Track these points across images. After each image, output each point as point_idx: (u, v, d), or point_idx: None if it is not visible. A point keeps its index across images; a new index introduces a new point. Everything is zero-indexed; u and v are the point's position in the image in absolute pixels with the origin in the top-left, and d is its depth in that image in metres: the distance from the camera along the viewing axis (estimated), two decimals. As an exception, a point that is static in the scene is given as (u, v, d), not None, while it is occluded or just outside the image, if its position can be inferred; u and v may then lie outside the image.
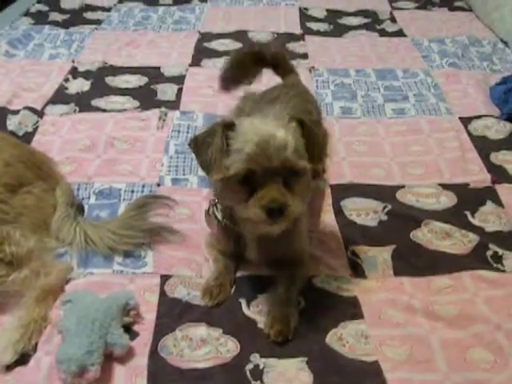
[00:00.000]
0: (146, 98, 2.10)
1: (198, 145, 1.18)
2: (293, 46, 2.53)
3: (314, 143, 1.18)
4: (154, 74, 2.27)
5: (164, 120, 1.95)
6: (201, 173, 1.69)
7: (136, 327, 1.22)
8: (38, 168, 1.50)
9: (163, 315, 1.25)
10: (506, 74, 2.22)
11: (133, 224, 1.43)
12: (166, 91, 2.15)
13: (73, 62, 2.37)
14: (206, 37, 2.63)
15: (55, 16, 2.86)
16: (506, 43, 2.54)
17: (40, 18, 2.82)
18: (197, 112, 1.99)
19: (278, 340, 1.18)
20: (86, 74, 2.26)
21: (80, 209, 1.53)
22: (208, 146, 1.14)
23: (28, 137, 1.85)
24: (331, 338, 1.20)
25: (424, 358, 1.16)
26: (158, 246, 1.43)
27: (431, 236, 1.48)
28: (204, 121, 1.93)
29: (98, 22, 2.80)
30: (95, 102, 2.07)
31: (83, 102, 2.07)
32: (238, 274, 1.36)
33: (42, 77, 2.24)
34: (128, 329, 1.20)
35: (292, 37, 2.63)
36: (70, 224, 1.43)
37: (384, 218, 1.54)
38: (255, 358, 1.16)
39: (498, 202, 1.60)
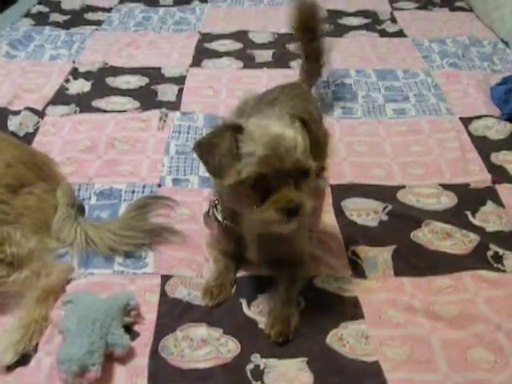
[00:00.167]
0: (146, 99, 2.10)
1: (204, 149, 1.15)
2: (293, 47, 2.53)
3: (316, 142, 1.19)
4: (155, 75, 2.27)
5: (164, 121, 1.95)
6: (201, 173, 1.69)
7: (137, 327, 1.22)
8: (38, 169, 1.50)
9: (164, 315, 1.25)
10: (507, 74, 2.21)
11: (133, 224, 1.43)
12: (166, 92, 2.15)
13: (73, 62, 2.37)
14: (206, 37, 2.63)
15: (56, 17, 2.86)
16: (506, 43, 2.53)
17: (41, 19, 2.82)
18: (197, 113, 1.99)
19: (278, 340, 1.18)
20: (87, 75, 2.27)
21: (81, 209, 1.53)
22: (215, 149, 1.12)
23: (29, 137, 1.85)
24: (331, 338, 1.20)
25: (424, 358, 1.16)
26: (158, 247, 1.43)
27: (432, 236, 1.47)
28: (204, 121, 1.93)
29: (98, 22, 2.80)
30: (96, 103, 2.07)
31: (84, 103, 2.07)
32: (239, 274, 1.36)
33: (43, 78, 2.24)
34: (129, 329, 1.20)
35: (292, 37, 2.61)
36: (70, 224, 1.43)
37: (384, 218, 1.54)
38: (256, 359, 1.16)
39: (498, 202, 1.60)
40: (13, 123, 1.90)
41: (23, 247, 1.31)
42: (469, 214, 1.56)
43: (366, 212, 1.56)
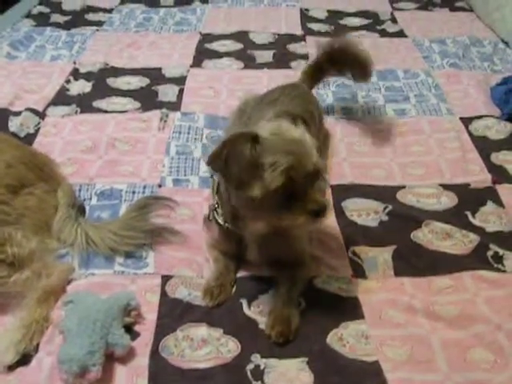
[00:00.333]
0: (147, 99, 2.10)
1: (223, 162, 1.13)
2: (294, 47, 2.53)
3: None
4: (155, 75, 2.27)
5: (165, 121, 1.95)
6: (202, 174, 1.69)
7: (137, 327, 1.22)
8: (39, 169, 1.50)
9: (164, 315, 1.25)
10: (507, 74, 2.21)
11: (134, 225, 1.44)
12: (167, 92, 2.16)
13: (74, 63, 2.37)
14: (207, 38, 2.63)
15: (57, 18, 2.86)
16: (506, 43, 2.53)
17: (41, 20, 2.82)
18: (198, 113, 1.99)
19: (279, 341, 1.19)
20: (88, 76, 2.27)
21: (81, 210, 1.53)
22: (235, 162, 1.11)
23: (30, 138, 1.85)
24: (332, 339, 1.20)
25: (424, 358, 1.16)
26: (159, 247, 1.43)
27: (432, 236, 1.48)
28: (205, 122, 1.94)
29: (99, 23, 2.80)
30: (96, 104, 2.08)
31: (85, 104, 2.07)
32: (239, 275, 1.36)
33: (44, 78, 2.24)
34: (129, 329, 1.20)
35: (293, 38, 2.63)
36: (71, 225, 1.44)
37: (385, 218, 1.54)
38: (256, 359, 1.16)
39: (498, 202, 1.60)
40: (14, 124, 1.90)
41: (24, 248, 1.32)
42: (469, 214, 1.56)
43: (366, 212, 1.56)
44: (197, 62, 2.39)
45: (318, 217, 1.16)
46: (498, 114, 1.99)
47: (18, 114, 1.96)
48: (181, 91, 2.16)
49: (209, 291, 1.29)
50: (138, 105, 2.07)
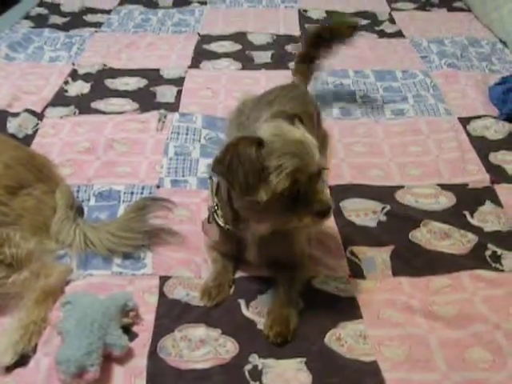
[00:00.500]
0: (145, 100, 2.10)
1: (225, 167, 1.13)
2: (292, 48, 2.53)
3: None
4: (154, 76, 2.28)
5: (163, 122, 1.95)
6: (200, 174, 1.69)
7: (135, 328, 1.22)
8: (38, 170, 1.50)
9: (162, 316, 1.25)
10: (505, 74, 2.22)
11: (132, 226, 1.44)
12: (165, 93, 2.16)
13: (73, 64, 2.38)
14: (205, 39, 2.63)
15: (55, 19, 2.86)
16: (504, 43, 2.54)
17: (40, 21, 2.82)
18: (196, 114, 1.99)
19: (277, 341, 1.18)
20: (86, 77, 2.27)
21: (80, 211, 1.53)
22: (241, 167, 1.11)
23: (28, 139, 1.85)
24: (330, 339, 1.20)
25: (423, 358, 1.16)
26: (157, 248, 1.43)
27: (430, 236, 1.48)
28: (203, 122, 1.94)
29: (97, 24, 2.80)
30: (95, 105, 2.08)
31: (83, 105, 2.07)
32: (237, 275, 1.36)
33: (42, 79, 2.24)
34: (127, 330, 1.20)
35: (291, 38, 2.63)
36: (69, 226, 1.44)
37: (383, 218, 1.54)
38: (254, 359, 1.16)
39: (496, 201, 1.60)
40: (12, 125, 1.90)
41: (22, 248, 1.32)
42: (467, 213, 1.56)
43: (364, 212, 1.56)
44: (195, 63, 2.40)
45: (324, 217, 1.17)
46: (497, 113, 1.99)
47: (16, 115, 1.96)
48: (179, 92, 2.16)
49: (207, 291, 1.29)
50: (136, 106, 2.08)
